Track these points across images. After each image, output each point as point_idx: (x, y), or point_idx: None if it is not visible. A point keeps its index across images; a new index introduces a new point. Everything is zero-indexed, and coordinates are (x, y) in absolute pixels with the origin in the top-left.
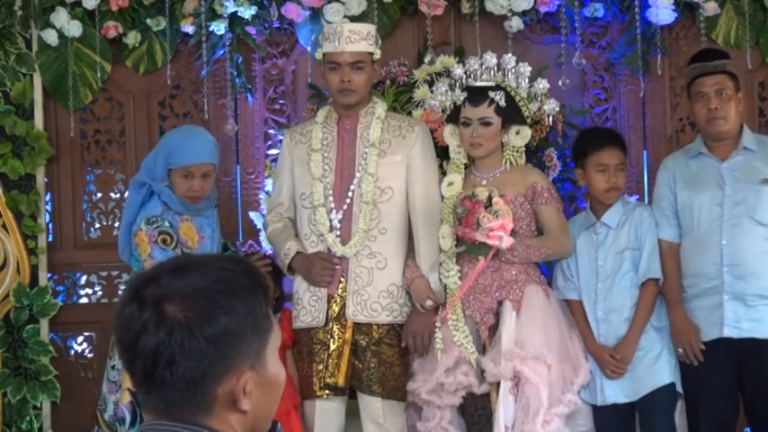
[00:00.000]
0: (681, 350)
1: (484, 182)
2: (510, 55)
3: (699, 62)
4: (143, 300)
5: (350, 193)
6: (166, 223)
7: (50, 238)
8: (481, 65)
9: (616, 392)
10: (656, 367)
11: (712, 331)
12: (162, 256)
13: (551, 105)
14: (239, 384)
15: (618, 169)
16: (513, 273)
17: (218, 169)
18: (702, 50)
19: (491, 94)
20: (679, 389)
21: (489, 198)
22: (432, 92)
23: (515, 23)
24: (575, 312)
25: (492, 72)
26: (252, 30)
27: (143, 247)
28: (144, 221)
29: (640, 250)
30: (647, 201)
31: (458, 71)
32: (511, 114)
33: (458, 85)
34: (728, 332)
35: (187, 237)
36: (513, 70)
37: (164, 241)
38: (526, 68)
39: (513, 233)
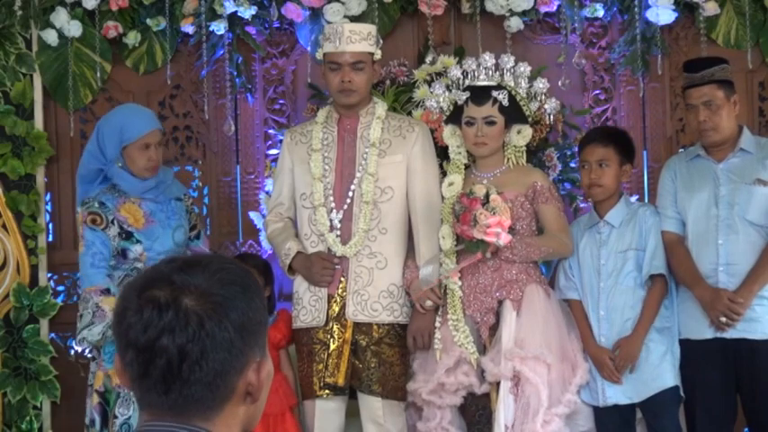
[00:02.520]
0: (723, 319)
1: (485, 181)
2: (508, 55)
3: (688, 72)
4: (157, 300)
5: (350, 193)
6: (96, 204)
7: (50, 238)
8: (479, 65)
9: (617, 393)
10: (660, 369)
11: (707, 330)
12: (92, 236)
13: (552, 104)
14: (261, 374)
15: (599, 166)
16: (514, 272)
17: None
18: (692, 60)
19: (494, 93)
20: (681, 392)
21: (487, 195)
22: (431, 92)
23: (515, 23)
24: (575, 312)
25: (490, 72)
26: (252, 30)
27: (78, 228)
28: (80, 204)
29: (644, 250)
30: (647, 200)
31: (455, 72)
32: (513, 114)
33: (455, 85)
34: (722, 332)
35: (128, 215)
36: (513, 70)
37: (93, 221)
38: (526, 68)
39: (511, 230)
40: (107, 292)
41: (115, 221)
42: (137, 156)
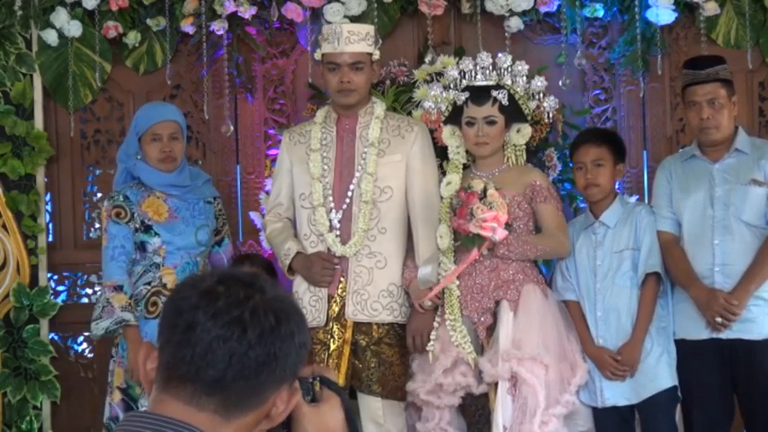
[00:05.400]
0: (719, 319)
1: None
2: (506, 54)
3: (691, 69)
4: (235, 294)
5: (349, 193)
6: (121, 197)
7: (50, 238)
8: (476, 65)
9: (616, 395)
10: (657, 370)
11: (703, 331)
12: (115, 230)
13: (550, 102)
14: (289, 402)
15: (595, 166)
16: (511, 272)
17: (186, 144)
18: (695, 57)
19: (494, 92)
20: (679, 392)
21: (484, 190)
22: (431, 93)
23: (515, 23)
24: (573, 313)
25: (487, 72)
26: (252, 30)
27: (102, 222)
28: (106, 198)
29: (640, 250)
30: (646, 200)
31: (452, 72)
32: (513, 113)
33: (452, 85)
34: (718, 332)
35: (150, 209)
36: (510, 69)
37: (117, 215)
38: (524, 67)
39: (508, 226)
40: (119, 288)
41: (136, 215)
42: (148, 147)
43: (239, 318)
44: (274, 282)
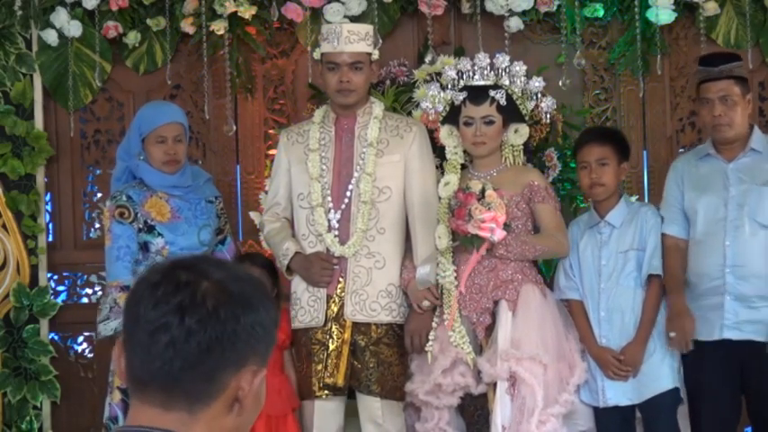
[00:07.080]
0: (672, 334)
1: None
2: (503, 54)
3: (705, 66)
4: (177, 279)
5: (348, 193)
6: (124, 197)
7: (50, 238)
8: (473, 65)
9: (618, 395)
10: (660, 371)
11: (713, 332)
12: (119, 230)
13: (548, 103)
14: (254, 382)
15: (599, 165)
16: (509, 272)
17: (188, 144)
18: (710, 54)
19: (492, 92)
20: (682, 394)
21: (483, 191)
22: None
23: (515, 23)
24: (575, 312)
25: (485, 72)
26: (252, 30)
27: (105, 222)
28: (109, 198)
29: (645, 250)
30: (647, 200)
31: (450, 72)
32: (511, 113)
33: (450, 85)
34: (728, 333)
35: (153, 210)
36: (508, 69)
37: (121, 215)
38: (522, 67)
39: (506, 227)
40: (126, 289)
41: (139, 216)
42: (153, 149)
43: (179, 305)
44: (224, 262)
